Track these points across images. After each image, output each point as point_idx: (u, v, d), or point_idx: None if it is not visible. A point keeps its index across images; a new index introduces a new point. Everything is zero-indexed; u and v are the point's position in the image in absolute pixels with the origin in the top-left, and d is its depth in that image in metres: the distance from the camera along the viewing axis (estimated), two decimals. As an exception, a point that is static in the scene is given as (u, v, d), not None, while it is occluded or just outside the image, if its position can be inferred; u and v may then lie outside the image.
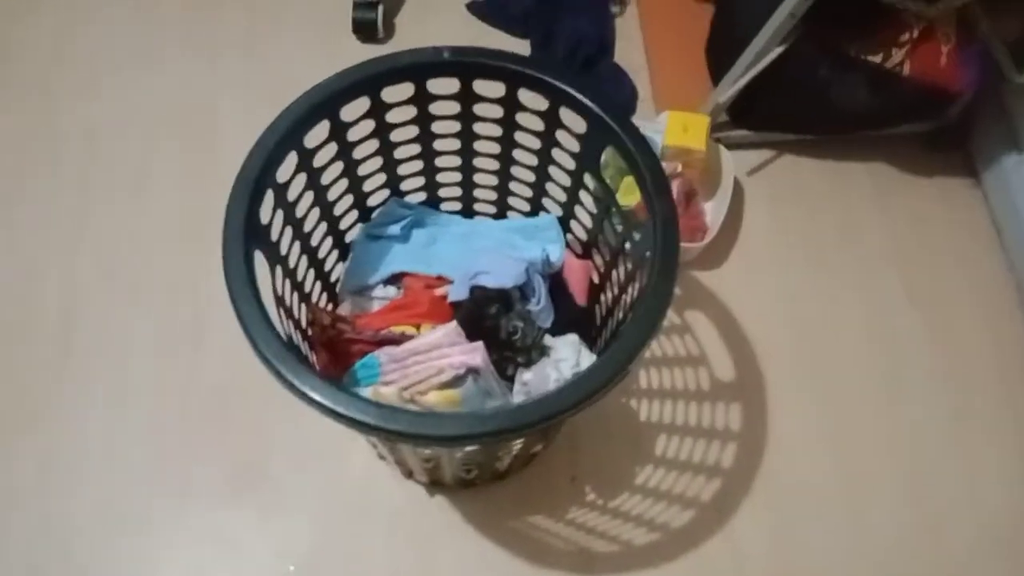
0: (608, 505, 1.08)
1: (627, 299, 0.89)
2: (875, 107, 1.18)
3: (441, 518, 1.06)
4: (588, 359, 0.92)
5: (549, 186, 1.02)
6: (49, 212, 1.26)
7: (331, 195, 0.96)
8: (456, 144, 0.99)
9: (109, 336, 1.17)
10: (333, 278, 1.05)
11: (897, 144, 1.33)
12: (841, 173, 1.32)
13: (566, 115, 0.88)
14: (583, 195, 0.98)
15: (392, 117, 0.92)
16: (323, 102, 0.83)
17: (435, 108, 0.92)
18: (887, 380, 1.17)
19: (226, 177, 0.77)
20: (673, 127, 1.20)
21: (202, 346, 1.15)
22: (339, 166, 0.93)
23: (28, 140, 1.32)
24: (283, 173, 0.82)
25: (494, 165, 1.02)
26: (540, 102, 0.88)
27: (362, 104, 0.87)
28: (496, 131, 0.96)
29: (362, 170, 0.98)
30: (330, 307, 1.04)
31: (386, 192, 1.05)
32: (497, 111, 0.92)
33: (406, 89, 0.88)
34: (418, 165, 1.02)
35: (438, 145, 0.99)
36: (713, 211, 1.25)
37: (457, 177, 1.05)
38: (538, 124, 0.92)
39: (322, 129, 0.86)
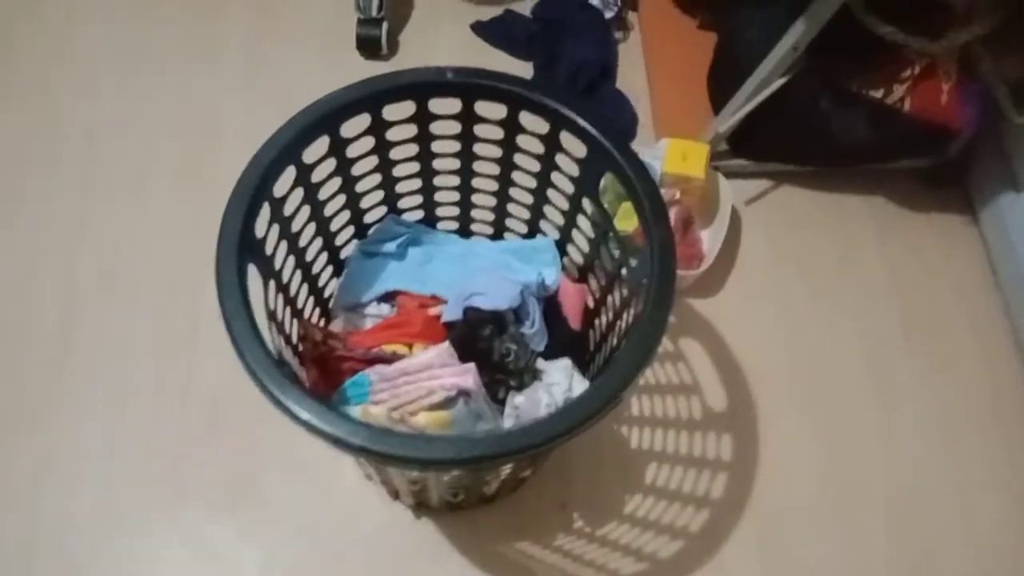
0: (597, 533, 1.06)
1: (622, 325, 0.88)
2: (875, 142, 1.19)
3: (426, 541, 1.05)
4: (580, 384, 0.91)
5: (547, 209, 1.01)
6: (49, 213, 1.26)
7: (328, 210, 0.96)
8: (455, 164, 0.98)
9: (108, 338, 1.16)
10: (326, 294, 1.04)
11: (896, 179, 1.33)
12: (839, 206, 1.32)
13: (566, 139, 0.88)
14: (581, 219, 0.97)
15: (392, 135, 0.91)
16: (323, 117, 0.82)
17: (436, 127, 0.92)
18: (881, 412, 1.16)
19: (226, 180, 0.77)
20: (672, 155, 1.20)
21: (201, 349, 1.15)
22: (337, 182, 0.93)
23: (28, 140, 1.32)
24: (280, 187, 0.82)
25: (493, 186, 1.01)
26: (541, 125, 0.88)
27: (363, 121, 0.87)
28: (496, 152, 0.95)
29: (360, 186, 0.97)
30: (322, 323, 1.04)
31: (383, 209, 1.04)
32: (498, 132, 0.92)
33: (407, 107, 0.88)
34: (417, 183, 1.01)
35: (437, 164, 0.98)
36: (710, 239, 1.25)
37: (455, 196, 1.05)
38: (538, 147, 0.92)
39: (321, 144, 0.85)
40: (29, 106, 1.35)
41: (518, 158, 0.95)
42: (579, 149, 0.87)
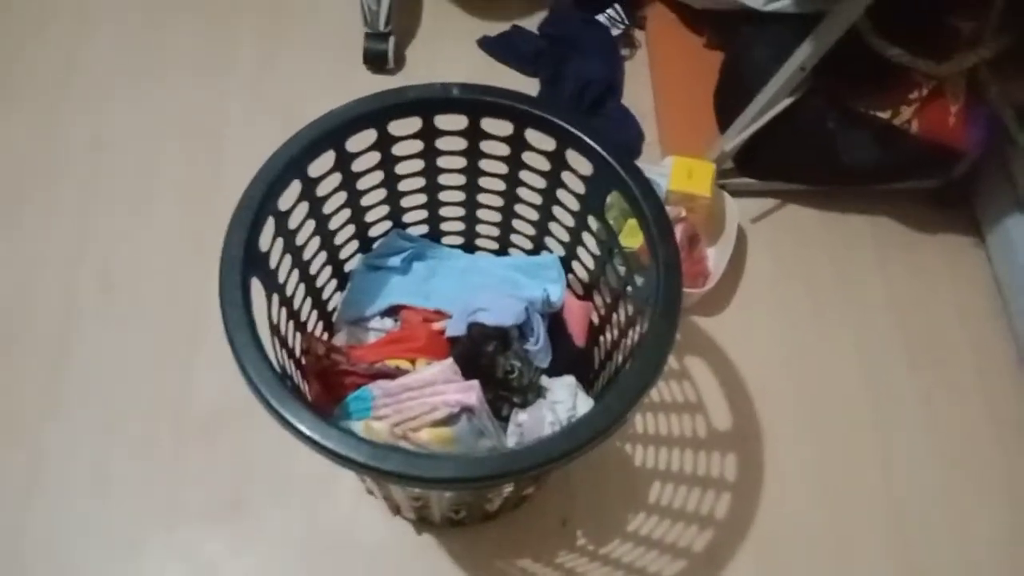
0: (599, 551, 1.06)
1: (627, 343, 0.88)
2: (881, 162, 1.18)
3: (427, 557, 1.04)
4: (584, 403, 0.91)
5: (552, 225, 1.01)
6: (50, 222, 1.26)
7: (333, 224, 0.96)
8: (461, 180, 0.98)
9: (106, 350, 1.16)
10: (330, 307, 1.04)
11: (902, 199, 1.33)
12: (845, 225, 1.32)
13: (572, 157, 0.87)
14: (586, 236, 0.97)
15: (398, 150, 0.91)
16: (329, 132, 0.82)
17: (441, 143, 0.92)
18: (883, 434, 1.16)
19: (230, 193, 0.77)
20: (678, 172, 1.20)
21: (201, 363, 1.14)
22: (342, 196, 0.93)
23: (33, 148, 1.32)
24: (285, 201, 0.82)
25: (498, 202, 1.01)
26: (547, 142, 0.88)
27: (368, 136, 0.87)
28: (502, 169, 0.95)
29: (365, 200, 0.97)
30: (326, 336, 1.03)
31: (388, 223, 1.04)
32: (504, 149, 0.92)
33: (413, 123, 0.88)
34: (422, 198, 1.01)
35: (443, 179, 0.98)
36: (716, 257, 1.25)
37: (460, 212, 1.04)
38: (544, 164, 0.92)
39: (327, 159, 0.85)
40: (36, 114, 1.36)
41: (524, 175, 0.95)
42: (585, 167, 0.87)
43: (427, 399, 0.84)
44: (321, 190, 0.88)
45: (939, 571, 1.07)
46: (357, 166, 0.90)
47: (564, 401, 0.90)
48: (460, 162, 0.95)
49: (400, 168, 0.95)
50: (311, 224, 0.91)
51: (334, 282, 1.03)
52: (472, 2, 1.49)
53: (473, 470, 0.65)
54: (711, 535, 1.07)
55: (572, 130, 0.84)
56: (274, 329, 0.81)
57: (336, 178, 0.90)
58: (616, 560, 1.05)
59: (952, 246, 1.31)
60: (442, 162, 0.95)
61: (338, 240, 0.99)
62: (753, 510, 1.09)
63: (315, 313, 0.99)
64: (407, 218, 1.05)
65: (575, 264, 1.03)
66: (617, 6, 1.45)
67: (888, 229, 1.32)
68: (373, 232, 1.04)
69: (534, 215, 1.01)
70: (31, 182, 1.29)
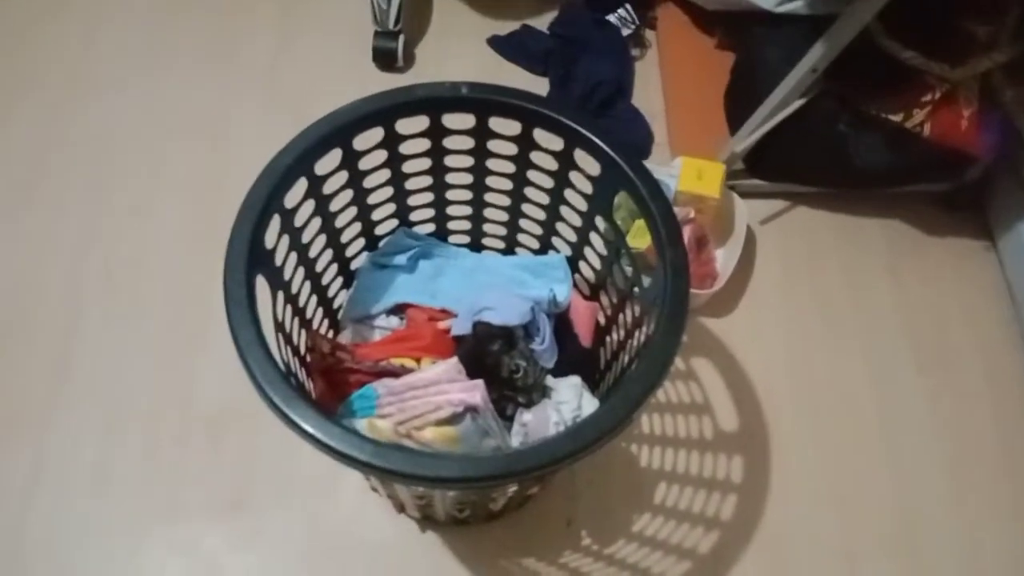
0: (604, 551, 1.05)
1: (633, 344, 0.87)
2: (893, 165, 1.18)
3: (431, 555, 1.04)
4: (590, 403, 0.90)
5: (559, 225, 1.01)
6: (56, 216, 1.26)
7: (339, 222, 0.95)
8: (468, 178, 0.98)
9: (110, 345, 1.16)
10: (336, 305, 1.04)
11: (913, 202, 1.32)
12: (855, 228, 1.31)
13: (580, 157, 0.87)
14: (593, 236, 0.97)
15: (405, 148, 0.91)
16: (337, 129, 0.82)
17: (449, 142, 0.92)
18: (889, 439, 1.15)
19: (237, 189, 0.77)
20: (687, 173, 1.19)
21: (202, 362, 1.14)
22: (349, 194, 0.93)
23: (41, 140, 1.33)
24: (291, 198, 0.82)
25: (505, 201, 1.01)
26: (555, 142, 0.87)
27: (376, 134, 0.87)
28: (509, 168, 0.95)
29: (372, 199, 0.97)
30: (331, 334, 1.03)
31: (394, 222, 1.04)
32: (511, 148, 0.92)
33: (421, 122, 0.88)
34: (429, 197, 1.01)
35: (450, 178, 0.98)
36: (724, 259, 1.24)
37: (467, 211, 1.04)
38: (552, 164, 0.91)
39: (334, 156, 0.85)
40: (46, 106, 1.36)
41: (531, 174, 0.95)
42: (593, 167, 0.86)
43: (431, 398, 0.83)
44: (328, 188, 0.88)
45: (945, 575, 1.06)
46: (364, 164, 0.90)
47: (569, 401, 0.90)
48: (467, 161, 0.95)
49: (407, 166, 0.94)
50: (317, 221, 0.91)
51: (340, 280, 1.03)
52: (482, 1, 1.49)
53: (477, 470, 0.65)
54: (717, 536, 1.07)
55: (580, 130, 0.83)
56: (279, 327, 0.81)
57: (343, 176, 0.90)
58: (621, 560, 1.05)
59: (963, 250, 1.30)
60: (449, 161, 0.95)
61: (344, 238, 0.99)
62: (759, 512, 1.09)
63: (320, 311, 0.99)
64: (414, 216, 1.05)
65: (582, 264, 1.03)
66: (628, 6, 1.45)
67: (898, 232, 1.31)
68: (379, 230, 1.04)
69: (541, 215, 1.01)
70: (39, 172, 1.29)
